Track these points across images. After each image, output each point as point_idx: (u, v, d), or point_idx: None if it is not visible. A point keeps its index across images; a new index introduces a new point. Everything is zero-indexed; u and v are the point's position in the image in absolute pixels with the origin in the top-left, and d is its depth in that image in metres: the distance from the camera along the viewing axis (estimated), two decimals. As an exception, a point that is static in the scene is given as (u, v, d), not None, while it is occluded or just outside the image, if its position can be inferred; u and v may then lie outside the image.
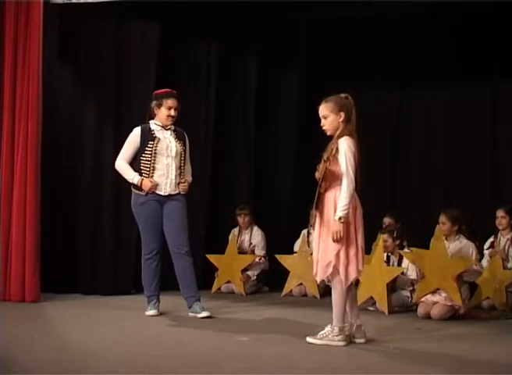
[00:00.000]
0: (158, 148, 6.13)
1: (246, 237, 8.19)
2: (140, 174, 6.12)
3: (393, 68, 8.45)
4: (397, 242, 6.89)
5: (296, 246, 8.01)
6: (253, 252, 8.09)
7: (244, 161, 8.56)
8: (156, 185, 6.11)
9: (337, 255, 4.95)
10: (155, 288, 6.28)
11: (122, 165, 6.21)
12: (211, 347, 4.94)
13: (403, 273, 6.74)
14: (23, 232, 6.76)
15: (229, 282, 7.89)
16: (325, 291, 7.39)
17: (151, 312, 6.20)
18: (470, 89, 8.32)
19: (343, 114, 5.03)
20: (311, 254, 7.59)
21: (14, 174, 6.82)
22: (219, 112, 8.28)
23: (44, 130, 6.92)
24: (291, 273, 7.72)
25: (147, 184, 6.09)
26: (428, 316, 6.28)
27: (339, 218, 4.88)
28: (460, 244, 6.57)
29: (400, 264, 6.82)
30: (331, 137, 5.09)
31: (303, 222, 8.11)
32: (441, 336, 5.53)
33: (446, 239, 6.64)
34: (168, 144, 6.18)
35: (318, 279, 5.19)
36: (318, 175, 5.05)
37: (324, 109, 5.07)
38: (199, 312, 6.07)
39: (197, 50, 8.20)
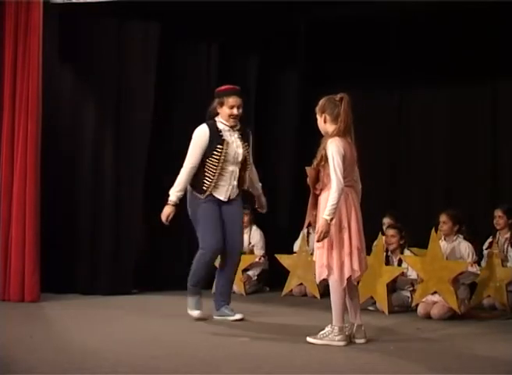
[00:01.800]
0: (227, 156, 5.82)
1: (245, 236, 8.17)
2: (204, 178, 5.82)
3: (393, 68, 8.44)
4: (402, 242, 6.89)
5: (296, 246, 8.00)
6: (252, 252, 8.08)
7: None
8: (169, 220, 5.81)
9: (330, 255, 5.01)
10: (199, 285, 5.92)
11: (186, 174, 5.85)
12: (211, 347, 4.94)
13: (403, 274, 6.74)
14: (23, 232, 6.76)
15: (228, 282, 7.89)
16: (325, 291, 7.38)
17: (195, 312, 5.88)
18: (470, 89, 8.31)
19: (325, 116, 5.10)
20: (311, 254, 7.64)
21: (14, 174, 6.81)
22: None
23: (43, 130, 6.92)
24: (291, 273, 7.72)
25: (167, 212, 5.79)
26: (428, 316, 6.28)
27: (326, 219, 4.92)
28: (459, 245, 6.58)
29: (400, 264, 6.82)
30: None
31: (303, 222, 8.09)
32: (441, 336, 5.53)
33: (444, 239, 6.65)
34: (235, 151, 5.90)
35: (317, 280, 5.25)
36: (308, 181, 5.10)
37: (316, 111, 5.19)
38: (231, 315, 5.89)
39: (197, 50, 8.19)
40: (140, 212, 7.67)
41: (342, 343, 5.00)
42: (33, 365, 4.29)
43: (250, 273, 7.95)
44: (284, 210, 8.70)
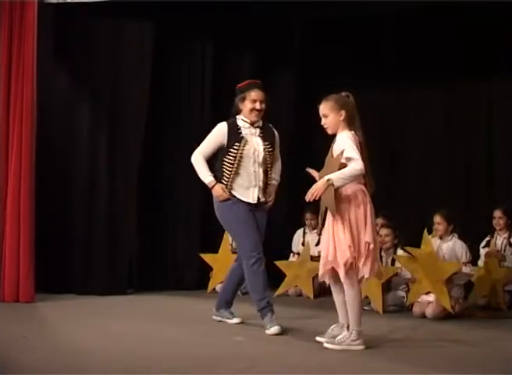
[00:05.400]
0: (244, 153, 5.54)
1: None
2: (221, 177, 5.57)
3: (390, 67, 8.42)
4: (396, 241, 6.90)
5: (294, 246, 8.05)
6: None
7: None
8: (228, 199, 5.52)
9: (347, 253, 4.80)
10: (267, 297, 5.62)
11: (199, 162, 5.60)
12: (206, 346, 4.95)
13: (397, 273, 6.75)
14: (17, 232, 6.74)
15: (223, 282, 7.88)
16: (320, 291, 7.40)
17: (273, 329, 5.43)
18: (466, 89, 8.32)
19: (343, 112, 5.00)
20: (312, 259, 7.54)
21: (8, 174, 6.80)
22: (214, 112, 8.26)
23: (38, 131, 6.91)
24: (288, 276, 7.67)
25: (218, 191, 5.52)
26: (423, 316, 6.29)
27: (329, 180, 4.75)
28: (454, 244, 6.60)
29: (393, 264, 6.82)
30: (331, 137, 5.07)
31: (300, 222, 8.14)
32: (436, 335, 5.53)
33: (440, 238, 6.66)
34: (255, 148, 5.60)
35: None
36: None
37: (324, 108, 5.04)
38: (230, 318, 5.85)
39: (191, 49, 8.20)
40: (134, 212, 7.67)
41: (361, 347, 4.88)
42: (29, 365, 4.29)
43: (242, 272, 7.95)
44: (282, 210, 8.67)
